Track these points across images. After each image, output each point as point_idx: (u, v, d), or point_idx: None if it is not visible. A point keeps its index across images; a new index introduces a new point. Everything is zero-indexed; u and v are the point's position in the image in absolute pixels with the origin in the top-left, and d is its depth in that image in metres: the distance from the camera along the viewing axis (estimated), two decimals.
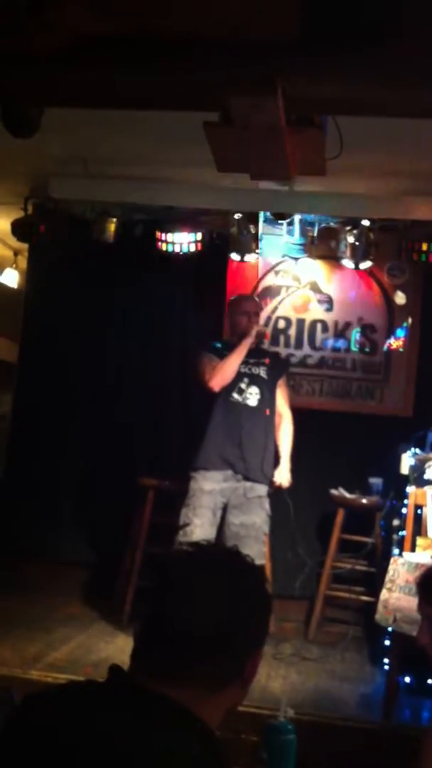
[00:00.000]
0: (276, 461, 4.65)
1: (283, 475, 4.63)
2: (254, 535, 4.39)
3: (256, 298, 5.10)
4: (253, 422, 4.51)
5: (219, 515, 4.40)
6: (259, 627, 1.30)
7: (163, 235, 5.29)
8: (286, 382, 4.87)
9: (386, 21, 2.46)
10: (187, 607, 1.23)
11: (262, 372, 4.59)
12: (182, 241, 5.26)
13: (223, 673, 1.23)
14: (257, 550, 4.33)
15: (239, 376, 4.51)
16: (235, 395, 4.49)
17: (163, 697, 1.16)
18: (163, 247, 5.30)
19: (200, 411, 4.62)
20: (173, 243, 5.27)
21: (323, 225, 5.28)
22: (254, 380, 4.55)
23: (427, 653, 2.10)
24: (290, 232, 5.30)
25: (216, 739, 1.17)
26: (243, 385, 4.52)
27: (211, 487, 4.37)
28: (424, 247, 5.02)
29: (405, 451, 4.41)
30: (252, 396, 4.52)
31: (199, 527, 4.27)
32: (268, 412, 4.59)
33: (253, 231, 5.29)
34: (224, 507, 4.40)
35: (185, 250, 5.28)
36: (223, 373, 4.44)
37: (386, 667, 3.93)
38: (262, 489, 4.46)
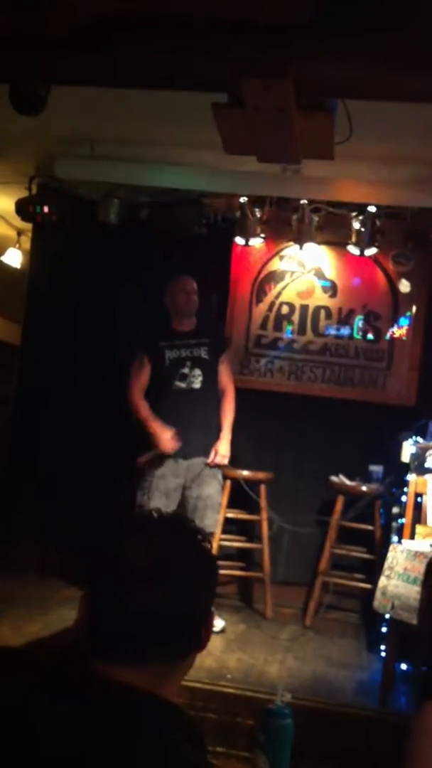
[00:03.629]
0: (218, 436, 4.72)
1: (223, 446, 4.68)
2: (210, 505, 4.60)
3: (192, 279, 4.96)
4: (200, 404, 4.63)
5: (177, 494, 4.56)
6: (210, 592, 1.28)
7: (168, 217, 5.26)
8: (228, 358, 4.92)
9: (401, 4, 2.43)
10: (141, 586, 1.18)
11: (203, 353, 4.69)
12: (187, 224, 5.23)
13: (184, 648, 1.22)
14: (213, 520, 4.63)
15: (181, 361, 4.62)
16: (178, 383, 4.61)
17: (129, 688, 1.13)
18: (168, 229, 5.27)
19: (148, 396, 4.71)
20: (177, 225, 5.24)
21: (329, 210, 5.26)
22: (197, 362, 4.66)
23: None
24: (297, 217, 5.26)
25: (191, 722, 1.16)
26: (186, 370, 4.62)
27: (162, 471, 4.54)
28: (431, 235, 5.00)
29: (406, 440, 4.41)
30: (196, 379, 4.64)
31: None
32: (212, 392, 4.71)
33: (258, 215, 5.27)
34: (181, 486, 4.57)
35: (190, 233, 5.25)
36: (133, 407, 4.64)
37: (383, 654, 3.95)
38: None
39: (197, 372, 4.63)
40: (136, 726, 1.07)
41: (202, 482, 4.59)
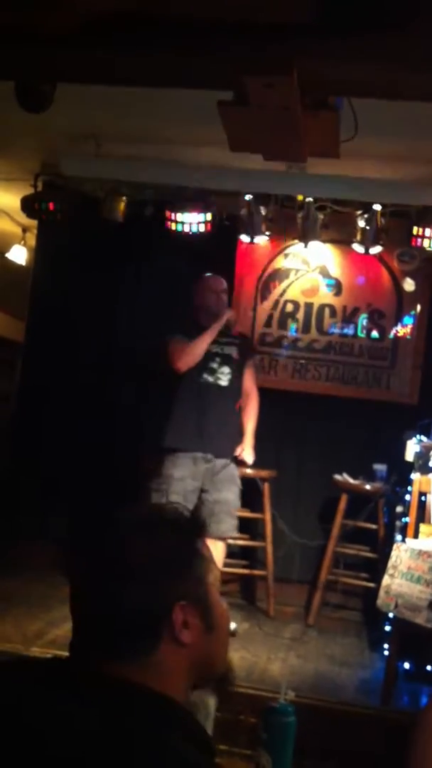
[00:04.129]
0: (241, 438, 4.70)
1: (246, 451, 4.68)
2: (227, 510, 4.50)
3: (222, 278, 4.94)
4: (224, 402, 4.58)
5: (194, 496, 4.46)
6: (175, 586, 1.22)
7: (173, 215, 5.24)
8: (254, 362, 4.92)
9: (402, 4, 2.43)
10: (101, 573, 1.19)
11: (233, 352, 4.65)
12: (192, 222, 5.22)
13: (143, 636, 1.18)
14: (230, 525, 4.51)
15: (210, 356, 4.56)
16: (207, 376, 4.54)
17: (124, 679, 1.13)
18: (173, 227, 5.26)
19: (173, 390, 4.63)
20: (183, 223, 5.23)
21: (334, 209, 5.25)
22: (226, 360, 4.61)
23: None
24: (302, 215, 5.26)
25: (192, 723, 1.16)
26: (215, 365, 4.57)
27: (180, 474, 4.43)
28: None
29: (410, 438, 4.41)
30: (223, 376, 4.58)
31: None
32: (237, 392, 4.67)
33: (263, 213, 5.27)
34: (199, 489, 4.48)
35: (194, 230, 5.23)
36: (192, 354, 4.48)
37: (386, 653, 3.95)
38: (232, 465, 4.55)
39: (225, 369, 4.59)
40: (133, 723, 1.06)
41: (221, 486, 4.50)
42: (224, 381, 4.59)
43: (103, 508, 4.74)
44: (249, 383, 4.80)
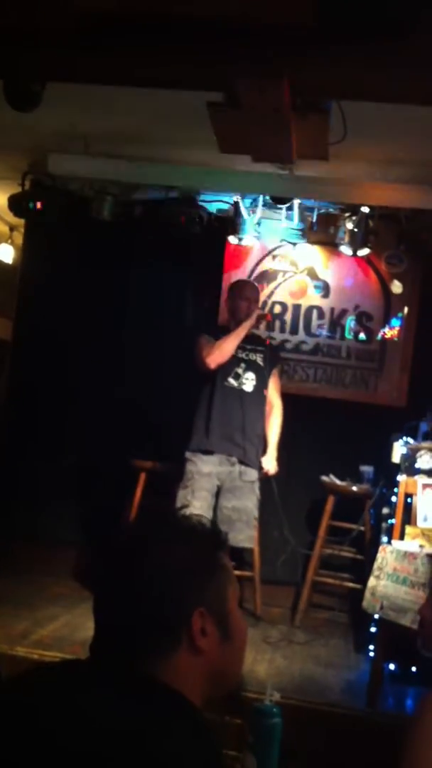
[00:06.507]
0: (264, 448, 4.69)
1: (270, 463, 4.69)
2: (245, 520, 4.45)
3: (256, 284, 5.09)
4: (249, 408, 4.54)
5: (214, 499, 4.42)
6: (197, 592, 1.26)
7: (162, 215, 5.25)
8: (279, 372, 4.90)
9: (398, 9, 2.44)
10: (127, 578, 1.23)
11: (258, 359, 4.63)
12: (180, 223, 5.22)
13: (163, 640, 1.21)
14: (247, 535, 4.45)
15: (236, 361, 4.53)
16: (231, 380, 4.52)
17: (150, 678, 1.16)
18: (161, 227, 5.26)
19: (197, 393, 4.62)
20: (171, 224, 5.23)
21: (322, 210, 5.26)
22: (251, 366, 4.58)
23: (424, 626, 2.11)
24: (289, 217, 5.27)
25: (207, 726, 1.16)
26: (239, 371, 4.55)
27: (208, 469, 4.41)
28: (424, 236, 5.00)
29: (397, 440, 4.42)
30: (248, 382, 4.55)
31: (198, 509, 4.29)
32: (262, 398, 4.62)
33: (251, 214, 5.27)
34: (218, 490, 4.42)
35: (183, 231, 5.24)
36: (221, 350, 4.46)
37: (371, 654, 3.96)
38: (254, 474, 4.51)
39: (250, 375, 4.59)
40: (151, 719, 1.08)
41: (241, 494, 4.47)
42: (248, 387, 4.58)
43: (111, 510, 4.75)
44: (274, 393, 4.80)
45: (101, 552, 1.33)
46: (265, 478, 4.67)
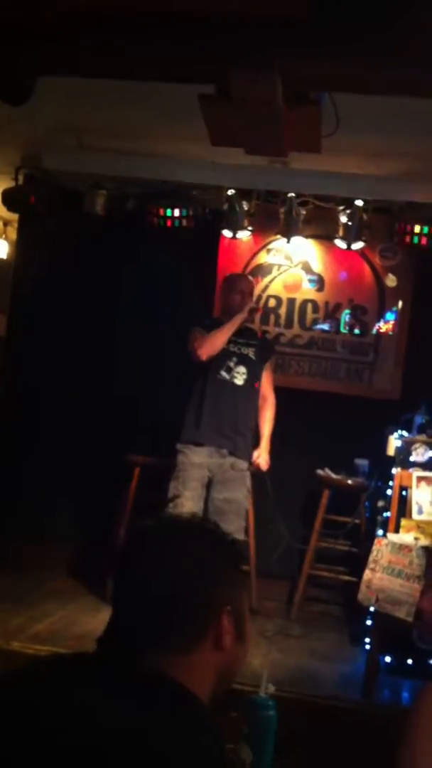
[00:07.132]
0: (256, 443, 4.69)
1: (263, 457, 4.68)
2: (236, 511, 4.45)
3: (250, 277, 5.09)
4: (241, 401, 4.55)
5: (204, 490, 4.43)
6: (221, 588, 1.30)
7: (155, 209, 5.24)
8: (272, 366, 4.90)
9: (392, 2, 2.44)
10: (160, 570, 1.25)
11: (250, 353, 4.62)
12: (174, 216, 5.22)
13: (189, 633, 1.23)
14: (238, 526, 4.45)
15: (228, 355, 4.53)
16: (223, 373, 4.52)
17: (156, 673, 1.16)
18: (155, 221, 5.26)
19: (190, 386, 4.62)
20: (165, 218, 5.23)
21: (316, 204, 5.25)
22: (242, 360, 4.58)
23: (423, 617, 2.12)
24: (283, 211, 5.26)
25: (212, 720, 1.17)
26: (231, 364, 4.54)
27: (199, 460, 4.42)
28: (417, 229, 5.00)
29: (392, 433, 4.42)
30: (240, 375, 4.56)
31: (189, 500, 4.30)
32: (253, 392, 4.64)
33: (245, 207, 5.26)
34: (209, 482, 4.43)
35: (177, 225, 5.24)
36: (212, 342, 4.46)
37: (367, 647, 3.97)
38: (245, 465, 4.52)
39: (242, 369, 4.57)
40: (157, 714, 1.09)
41: (232, 486, 4.46)
42: (239, 380, 4.57)
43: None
44: (266, 387, 4.80)
45: (135, 544, 1.34)
46: (257, 472, 4.67)
